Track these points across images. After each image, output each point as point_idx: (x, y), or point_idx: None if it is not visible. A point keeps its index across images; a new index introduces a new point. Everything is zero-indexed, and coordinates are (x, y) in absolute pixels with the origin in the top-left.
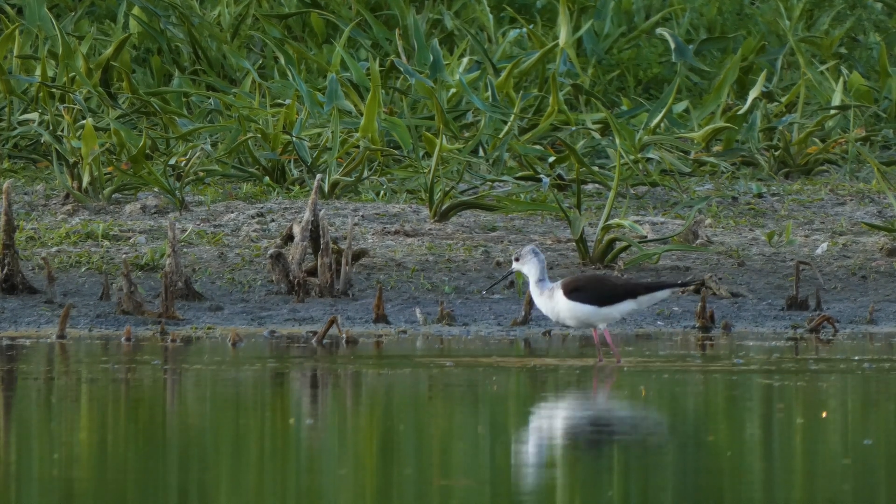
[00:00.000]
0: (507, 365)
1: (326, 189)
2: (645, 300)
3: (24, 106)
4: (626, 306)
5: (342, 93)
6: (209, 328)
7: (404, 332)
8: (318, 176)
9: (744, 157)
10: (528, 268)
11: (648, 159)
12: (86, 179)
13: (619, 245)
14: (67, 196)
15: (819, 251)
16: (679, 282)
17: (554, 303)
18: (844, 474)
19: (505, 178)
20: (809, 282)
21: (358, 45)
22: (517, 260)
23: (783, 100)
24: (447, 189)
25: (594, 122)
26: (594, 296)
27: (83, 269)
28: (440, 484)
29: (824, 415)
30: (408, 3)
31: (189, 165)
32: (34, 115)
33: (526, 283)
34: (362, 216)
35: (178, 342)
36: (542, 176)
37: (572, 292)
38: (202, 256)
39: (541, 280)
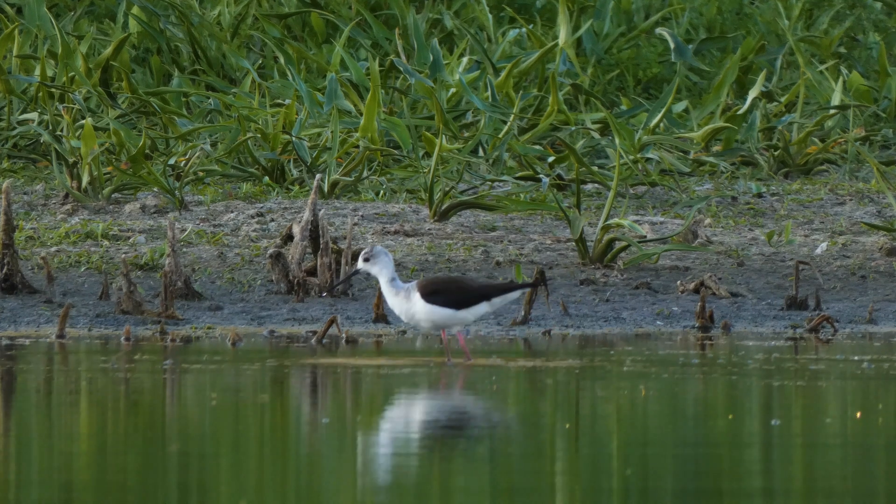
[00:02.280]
0: (504, 365)
1: (326, 189)
2: (498, 302)
3: (23, 106)
4: (481, 309)
5: (342, 93)
6: (209, 328)
7: (404, 331)
8: (318, 176)
9: (743, 156)
10: (379, 268)
11: (648, 159)
12: (85, 179)
13: (618, 245)
14: (67, 196)
15: (818, 251)
16: (528, 283)
17: (410, 304)
18: (846, 470)
19: (505, 177)
20: (809, 281)
21: (358, 45)
22: (366, 260)
23: (783, 99)
24: (447, 189)
25: (594, 122)
26: (452, 299)
27: (82, 269)
28: (440, 483)
29: (858, 415)
30: (408, 3)
31: (189, 165)
32: (34, 115)
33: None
34: (362, 216)
35: (177, 342)
36: (541, 176)
37: (430, 295)
38: (202, 256)
39: (392, 279)
